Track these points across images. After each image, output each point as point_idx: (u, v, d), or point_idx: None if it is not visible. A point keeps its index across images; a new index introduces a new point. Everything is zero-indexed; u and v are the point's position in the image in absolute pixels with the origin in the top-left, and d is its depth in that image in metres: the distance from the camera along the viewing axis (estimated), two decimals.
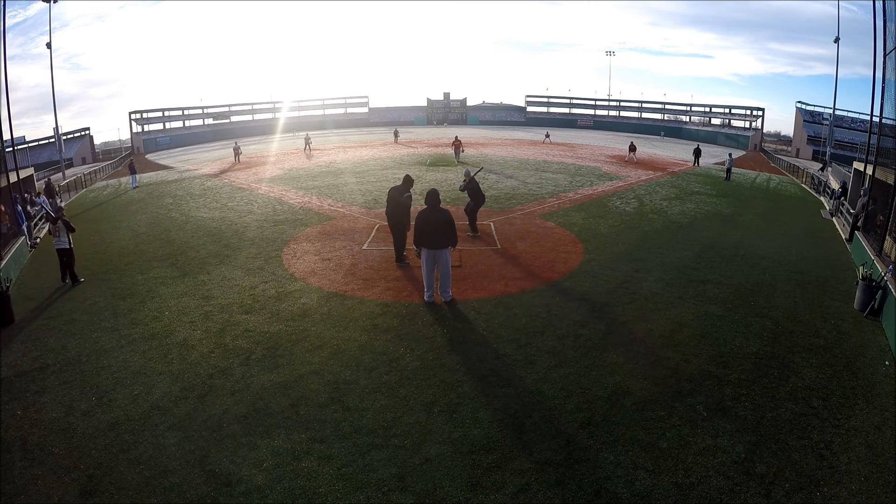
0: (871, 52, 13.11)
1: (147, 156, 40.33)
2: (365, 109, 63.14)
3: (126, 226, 14.33)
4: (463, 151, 27.54)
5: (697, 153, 28.79)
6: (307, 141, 35.18)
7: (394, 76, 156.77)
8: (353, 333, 6.92)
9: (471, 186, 11.65)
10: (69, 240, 9.18)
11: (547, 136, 41.48)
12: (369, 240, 11.69)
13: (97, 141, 48.19)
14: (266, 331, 7.03)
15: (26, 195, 14.73)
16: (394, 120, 60.45)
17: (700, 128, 54.27)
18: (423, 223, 7.71)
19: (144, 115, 49.80)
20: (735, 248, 11.29)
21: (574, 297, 8.17)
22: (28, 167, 19.89)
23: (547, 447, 4.61)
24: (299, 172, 24.04)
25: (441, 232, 7.63)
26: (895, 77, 10.79)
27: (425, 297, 7.91)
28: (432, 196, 7.87)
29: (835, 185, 18.85)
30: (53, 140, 32.56)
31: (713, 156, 33.64)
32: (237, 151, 30.31)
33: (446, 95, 63.59)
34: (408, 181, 9.86)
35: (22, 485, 4.20)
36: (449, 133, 39.36)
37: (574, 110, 63.88)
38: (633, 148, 29.57)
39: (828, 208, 17.08)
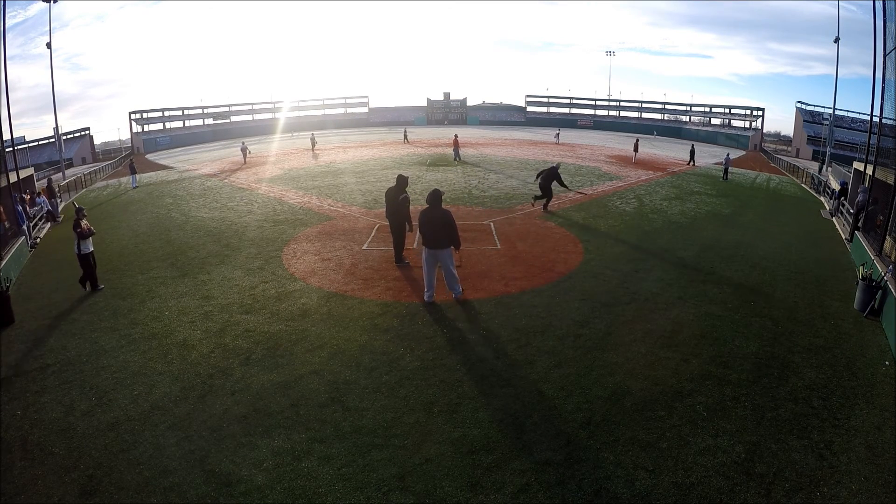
0: (870, 52, 13.13)
1: (147, 156, 40.33)
2: (365, 109, 63.12)
3: (126, 226, 14.32)
4: (456, 149, 27.56)
5: (692, 153, 29.77)
6: (313, 141, 34.96)
7: (394, 76, 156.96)
8: (353, 333, 6.92)
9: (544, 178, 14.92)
10: (79, 245, 8.56)
11: (557, 135, 41.76)
12: (369, 240, 11.69)
13: (97, 141, 48.30)
14: (266, 331, 7.03)
15: (25, 195, 14.72)
16: (394, 120, 60.57)
17: (700, 128, 54.29)
18: (423, 223, 7.74)
19: (144, 115, 49.80)
20: (735, 248, 11.29)
21: (574, 297, 8.17)
22: (28, 167, 19.90)
23: (547, 447, 4.61)
24: (299, 172, 24.04)
25: (440, 232, 7.61)
26: (895, 77, 10.78)
27: (425, 298, 7.90)
28: (432, 196, 7.85)
29: (835, 185, 18.85)
30: (53, 140, 32.53)
31: (713, 156, 33.68)
32: (245, 151, 29.56)
33: (446, 95, 63.57)
34: (401, 181, 9.58)
35: (22, 485, 4.20)
36: (449, 133, 39.33)
37: (574, 110, 63.87)
38: (636, 148, 29.90)
39: (828, 208, 17.08)
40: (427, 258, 7.76)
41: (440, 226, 7.60)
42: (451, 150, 28.01)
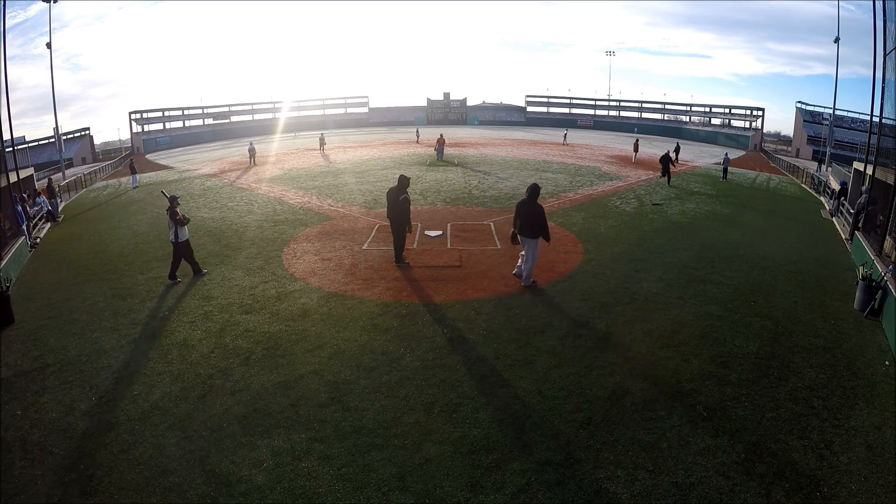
0: (870, 52, 13.13)
1: (147, 156, 40.35)
2: (365, 109, 63.15)
3: (126, 226, 14.33)
4: (440, 149, 27.86)
5: (677, 150, 30.28)
6: (322, 142, 34.60)
7: (394, 76, 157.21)
8: (353, 333, 6.92)
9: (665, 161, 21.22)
10: (176, 233, 8.92)
11: (565, 135, 41.89)
12: (369, 240, 11.69)
13: (97, 141, 48.34)
14: (266, 331, 7.03)
15: (24, 195, 14.70)
16: (394, 120, 60.66)
17: (700, 128, 54.28)
18: (517, 212, 8.65)
19: (144, 115, 49.80)
20: (735, 248, 11.29)
21: (574, 297, 8.17)
22: (28, 167, 19.89)
23: (547, 447, 4.61)
24: (299, 172, 24.04)
25: (526, 222, 8.40)
26: (895, 77, 10.78)
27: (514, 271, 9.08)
28: (530, 189, 8.54)
29: (834, 185, 18.85)
30: (53, 140, 32.54)
31: (713, 156, 33.69)
32: (252, 152, 28.59)
33: (446, 95, 63.61)
34: (403, 181, 9.61)
35: (22, 485, 4.20)
36: (451, 133, 39.43)
37: (574, 110, 63.91)
38: (636, 148, 30.00)
39: (828, 208, 17.08)
40: (522, 241, 8.62)
41: (527, 217, 8.42)
42: (454, 150, 28.29)
